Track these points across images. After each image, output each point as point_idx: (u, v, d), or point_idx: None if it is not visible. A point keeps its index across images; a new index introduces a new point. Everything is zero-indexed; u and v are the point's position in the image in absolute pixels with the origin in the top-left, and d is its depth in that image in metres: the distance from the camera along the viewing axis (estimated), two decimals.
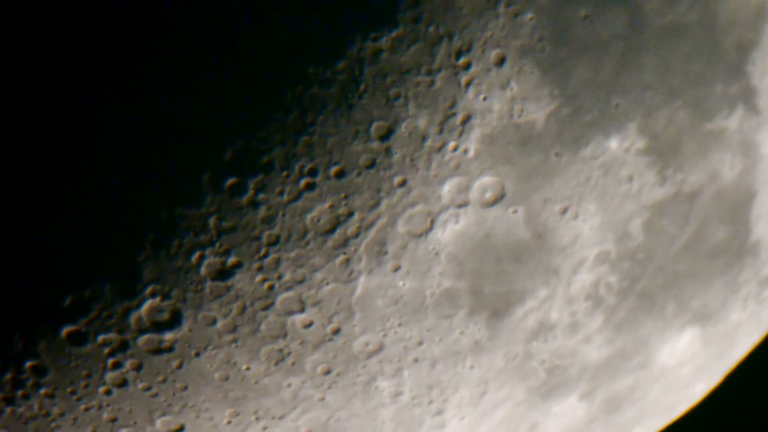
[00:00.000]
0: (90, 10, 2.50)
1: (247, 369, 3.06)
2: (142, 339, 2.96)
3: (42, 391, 3.07)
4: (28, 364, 2.99)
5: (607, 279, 3.23)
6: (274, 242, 2.81)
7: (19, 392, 3.08)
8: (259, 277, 2.87)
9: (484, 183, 2.87)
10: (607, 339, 3.42)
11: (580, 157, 2.92)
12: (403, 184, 2.79)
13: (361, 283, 2.94)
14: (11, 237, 2.73)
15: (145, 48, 2.53)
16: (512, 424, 3.61)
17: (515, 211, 2.94)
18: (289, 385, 3.14)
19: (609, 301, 3.29)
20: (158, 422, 3.20)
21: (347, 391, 3.21)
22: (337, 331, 3.03)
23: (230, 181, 2.70)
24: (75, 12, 2.49)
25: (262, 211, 2.76)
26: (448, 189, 2.84)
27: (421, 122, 2.71)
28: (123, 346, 2.97)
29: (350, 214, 2.81)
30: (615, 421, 3.92)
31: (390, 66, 2.63)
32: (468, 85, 2.71)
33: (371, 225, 2.84)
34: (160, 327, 2.93)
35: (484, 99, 2.74)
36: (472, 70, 2.70)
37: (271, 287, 2.89)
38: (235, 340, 2.98)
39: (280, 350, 3.03)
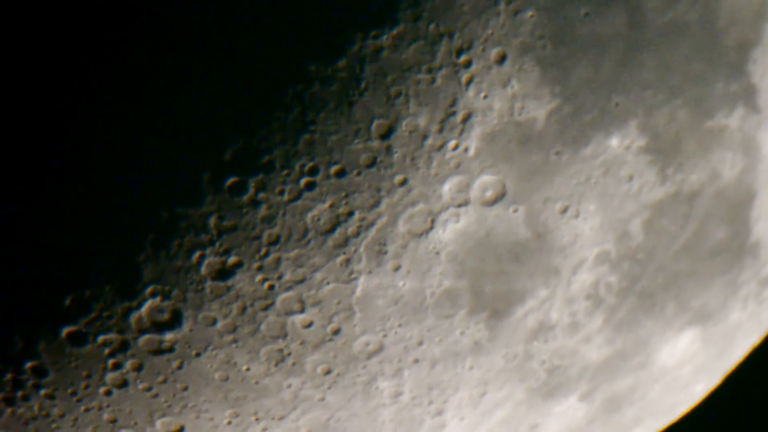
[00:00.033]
0: (90, 10, 2.50)
1: (248, 369, 3.06)
2: (143, 339, 2.95)
3: (42, 392, 3.07)
4: (28, 364, 2.99)
5: (607, 279, 3.23)
6: (275, 242, 2.81)
7: (19, 393, 3.07)
8: (259, 277, 2.86)
9: (485, 182, 2.86)
10: (607, 339, 3.42)
11: (580, 156, 2.92)
12: (403, 183, 2.79)
13: (362, 282, 2.94)
14: (11, 237, 2.73)
15: (145, 48, 2.53)
16: (512, 424, 3.61)
17: (515, 210, 2.94)
18: (289, 386, 3.13)
19: (609, 301, 3.29)
20: (158, 423, 3.20)
21: (347, 391, 3.20)
22: (337, 332, 3.03)
23: (231, 180, 2.70)
24: (75, 12, 2.49)
25: (263, 211, 2.76)
26: (448, 188, 2.84)
27: (422, 120, 2.71)
28: (123, 347, 2.97)
29: (350, 214, 2.81)
30: (615, 421, 3.92)
31: (391, 64, 2.63)
32: (468, 83, 2.71)
33: (371, 224, 2.84)
34: (160, 327, 2.93)
35: (485, 97, 2.74)
36: (473, 68, 2.70)
37: (272, 287, 2.89)
38: (235, 341, 2.98)
39: (281, 350, 3.03)
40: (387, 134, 2.72)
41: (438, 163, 2.79)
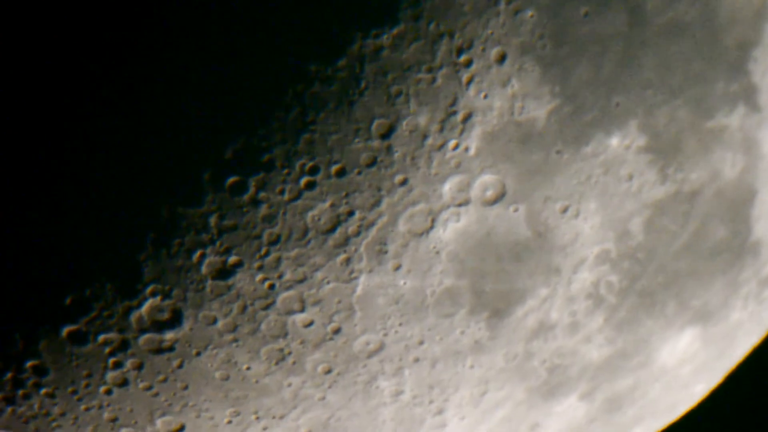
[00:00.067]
0: (90, 10, 2.50)
1: (248, 368, 3.06)
2: (143, 338, 2.95)
3: (43, 391, 3.07)
4: (29, 363, 2.99)
5: (607, 278, 3.23)
6: (275, 241, 2.81)
7: (20, 392, 3.07)
8: (259, 276, 2.87)
9: (485, 181, 2.87)
10: (608, 338, 3.42)
11: (580, 155, 2.92)
12: (404, 182, 2.79)
13: (362, 282, 2.94)
14: (12, 237, 2.73)
15: (145, 48, 2.53)
16: (513, 423, 3.61)
17: (516, 210, 2.94)
18: (289, 385, 3.13)
19: (609, 300, 3.29)
20: (159, 422, 3.20)
21: (348, 390, 3.20)
22: (337, 331, 3.03)
23: (231, 179, 2.70)
24: (75, 12, 2.49)
25: (263, 210, 2.76)
26: (449, 187, 2.84)
27: (422, 120, 2.71)
28: (124, 346, 2.97)
29: (351, 213, 2.81)
30: (615, 420, 3.92)
31: (391, 63, 2.63)
32: (469, 82, 2.71)
33: (372, 224, 2.84)
34: (160, 326, 2.93)
35: (485, 97, 2.74)
36: (473, 67, 2.70)
37: (272, 286, 2.89)
38: (235, 340, 2.98)
39: (281, 349, 3.03)
40: (387, 134, 2.72)
41: (438, 163, 2.79)
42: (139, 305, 2.88)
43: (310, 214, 2.78)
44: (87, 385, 3.06)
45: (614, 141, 2.94)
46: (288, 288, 2.90)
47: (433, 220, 2.89)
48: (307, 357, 3.07)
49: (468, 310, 3.10)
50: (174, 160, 2.64)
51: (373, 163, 2.75)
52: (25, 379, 3.03)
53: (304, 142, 2.68)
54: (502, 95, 2.75)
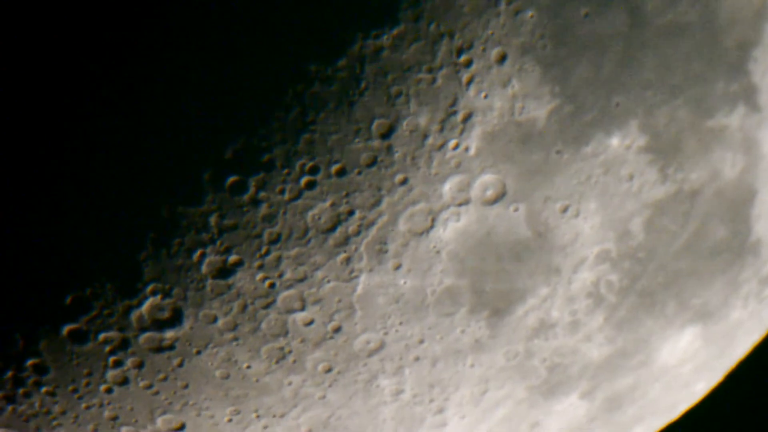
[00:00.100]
0: (90, 10, 2.50)
1: (248, 367, 3.06)
2: (143, 337, 2.96)
3: (43, 389, 3.08)
4: (30, 362, 3.00)
5: (607, 277, 3.23)
6: (275, 240, 2.81)
7: (21, 390, 3.08)
8: (260, 276, 2.87)
9: (485, 181, 2.87)
10: (608, 337, 3.42)
11: (581, 155, 2.92)
12: (404, 182, 2.79)
13: (362, 281, 2.94)
14: (12, 236, 2.73)
15: (145, 48, 2.53)
16: (513, 422, 3.61)
17: (516, 209, 2.94)
18: (290, 384, 3.14)
19: (610, 299, 3.29)
20: (159, 420, 3.20)
21: (348, 389, 3.21)
22: (338, 330, 3.03)
23: (231, 179, 2.70)
24: (75, 12, 2.49)
25: (263, 210, 2.76)
26: (449, 187, 2.84)
27: (422, 120, 2.71)
28: (124, 345, 2.97)
29: (351, 213, 2.81)
30: (616, 419, 3.92)
31: (391, 64, 2.63)
32: (469, 83, 2.71)
33: (372, 223, 2.84)
34: (161, 325, 2.93)
35: (485, 97, 2.74)
36: (473, 67, 2.70)
37: (272, 285, 2.89)
38: (236, 339, 2.98)
39: (281, 348, 3.03)
40: (388, 134, 2.72)
41: (438, 163, 2.79)
42: (140, 304, 2.88)
43: (310, 213, 2.79)
44: (87, 384, 3.07)
45: (614, 141, 2.94)
46: (288, 287, 2.90)
47: (434, 220, 2.89)
48: (307, 356, 3.07)
49: (468, 309, 3.10)
50: (174, 160, 2.64)
51: (373, 162, 2.75)
52: (26, 377, 3.04)
53: (304, 142, 2.68)
54: (502, 95, 2.75)
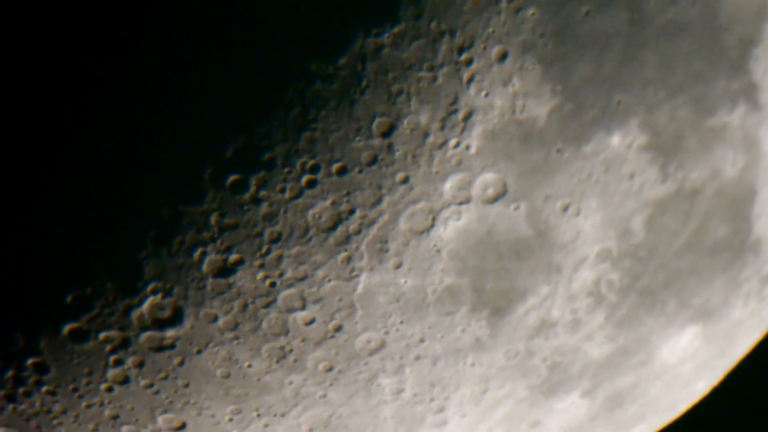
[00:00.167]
0: (90, 10, 2.50)
1: (249, 366, 3.06)
2: (144, 336, 2.96)
3: (44, 389, 3.08)
4: (30, 361, 2.99)
5: (608, 276, 3.23)
6: (276, 239, 2.81)
7: (21, 389, 3.08)
8: (260, 274, 2.87)
9: (486, 179, 2.87)
10: (609, 336, 3.42)
11: (581, 154, 2.92)
12: (404, 180, 2.79)
13: (363, 280, 2.94)
14: (13, 235, 2.73)
15: (145, 47, 2.53)
16: (514, 421, 3.61)
17: (517, 208, 2.94)
18: (290, 383, 3.14)
19: (610, 298, 3.29)
20: (160, 419, 3.20)
21: (349, 388, 3.21)
22: (338, 329, 3.03)
23: (232, 178, 2.70)
24: (75, 11, 2.49)
25: (264, 208, 2.76)
26: (449, 186, 2.84)
27: (423, 118, 2.71)
28: (124, 344, 2.97)
29: (352, 211, 2.81)
30: (616, 418, 3.92)
31: (392, 62, 2.63)
32: (470, 81, 2.71)
33: (373, 222, 2.84)
34: (161, 324, 2.93)
35: (486, 95, 2.74)
36: (474, 66, 2.70)
37: (273, 284, 2.89)
38: (236, 338, 2.98)
39: (282, 347, 3.03)
40: (388, 132, 2.72)
41: (439, 161, 2.79)
42: (140, 303, 2.88)
43: (311, 212, 2.79)
44: (88, 383, 3.06)
45: (615, 139, 2.94)
46: (289, 286, 2.90)
47: (434, 219, 2.89)
48: (308, 355, 3.07)
49: (469, 308, 3.10)
50: (174, 158, 2.64)
51: (374, 161, 2.75)
52: (26, 376, 3.04)
53: (305, 141, 2.68)
54: (503, 94, 2.75)
